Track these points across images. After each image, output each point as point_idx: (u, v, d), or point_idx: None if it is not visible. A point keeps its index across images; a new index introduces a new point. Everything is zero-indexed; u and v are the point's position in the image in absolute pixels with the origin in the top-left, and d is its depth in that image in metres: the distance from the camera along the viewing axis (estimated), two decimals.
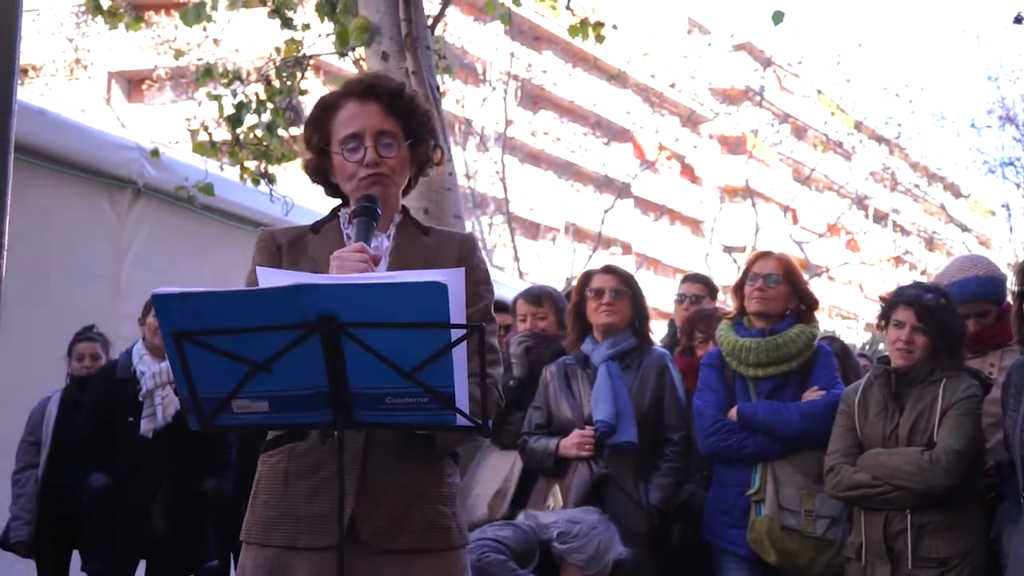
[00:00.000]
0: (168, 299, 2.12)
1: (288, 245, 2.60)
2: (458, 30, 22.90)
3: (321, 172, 2.65)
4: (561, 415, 4.43)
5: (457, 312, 2.13)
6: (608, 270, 4.58)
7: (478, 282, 2.59)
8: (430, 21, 6.20)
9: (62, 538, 5.54)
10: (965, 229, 37.25)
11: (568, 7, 7.75)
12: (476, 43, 26.10)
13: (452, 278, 2.10)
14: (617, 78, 27.34)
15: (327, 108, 2.61)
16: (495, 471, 4.77)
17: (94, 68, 24.87)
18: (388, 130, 2.56)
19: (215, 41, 8.51)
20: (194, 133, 7.27)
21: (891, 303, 4.00)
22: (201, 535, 5.29)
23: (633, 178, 30.26)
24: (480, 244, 2.63)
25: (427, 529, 2.46)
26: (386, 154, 2.55)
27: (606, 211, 27.11)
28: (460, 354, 2.15)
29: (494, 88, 26.07)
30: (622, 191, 29.34)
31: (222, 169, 7.56)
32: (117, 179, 7.00)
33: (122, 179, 7.03)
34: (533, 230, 34.96)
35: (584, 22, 7.45)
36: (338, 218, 2.63)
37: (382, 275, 2.41)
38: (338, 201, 2.68)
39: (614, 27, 7.76)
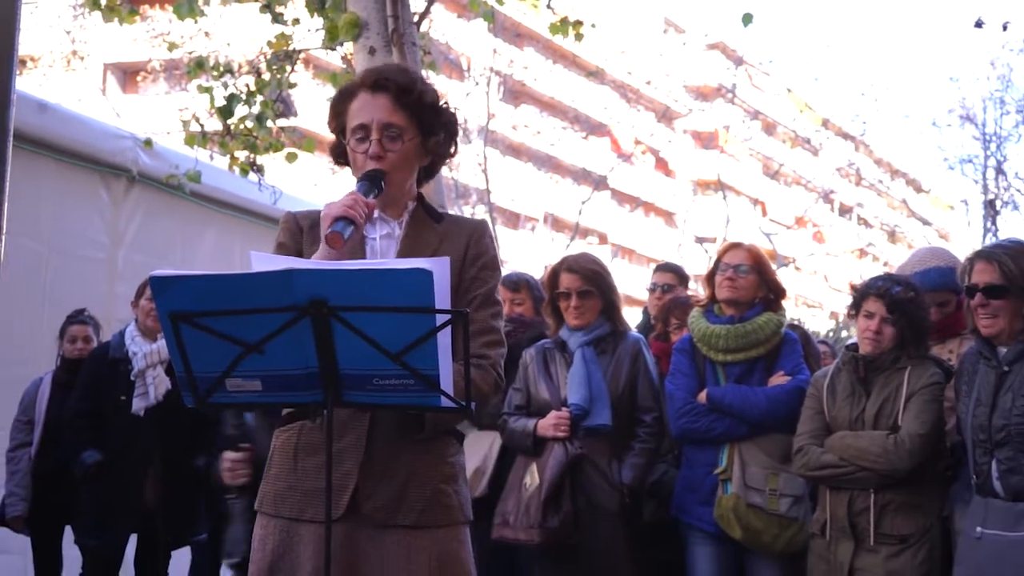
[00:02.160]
0: (165, 281, 2.16)
1: (308, 228, 2.63)
2: (443, 27, 22.92)
3: (343, 155, 2.68)
4: (540, 397, 4.52)
5: (442, 298, 2.17)
6: (571, 268, 4.55)
7: (483, 267, 2.62)
8: (416, 18, 6.23)
9: (56, 514, 5.59)
10: (926, 223, 37.69)
11: (549, 6, 7.79)
12: (460, 40, 26.10)
13: (437, 266, 2.15)
14: (595, 75, 27.55)
15: (344, 97, 2.64)
16: (474, 450, 4.76)
17: (90, 60, 24.72)
18: (395, 123, 2.56)
19: (207, 34, 8.57)
20: (186, 124, 7.30)
21: (862, 294, 4.08)
22: (192, 510, 5.32)
23: (610, 171, 30.34)
24: (491, 232, 2.73)
25: (427, 506, 2.50)
26: (391, 147, 2.56)
27: (583, 202, 27.33)
28: (445, 338, 2.19)
29: (477, 83, 26.11)
30: (599, 183, 29.51)
31: (212, 159, 7.64)
32: (112, 167, 7.04)
33: (117, 167, 7.07)
34: (513, 220, 35.00)
35: (564, 20, 7.52)
36: None
37: (371, 262, 2.49)
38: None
39: (593, 26, 7.81)
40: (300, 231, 2.66)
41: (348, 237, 2.40)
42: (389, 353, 2.18)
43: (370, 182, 2.52)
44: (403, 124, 2.58)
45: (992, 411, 3.53)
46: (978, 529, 3.54)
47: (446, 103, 2.68)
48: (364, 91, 2.60)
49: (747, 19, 6.78)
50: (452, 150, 2.72)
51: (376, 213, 2.60)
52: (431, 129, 2.63)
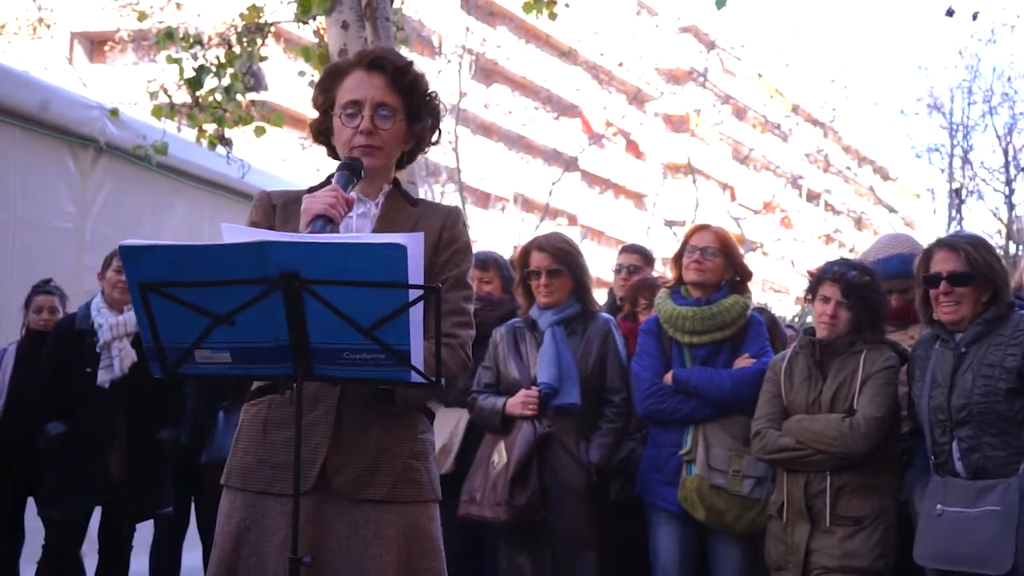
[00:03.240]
0: (135, 251, 2.15)
1: (282, 206, 2.65)
2: (416, 3, 22.80)
3: (324, 133, 2.71)
4: (509, 375, 4.52)
5: (415, 273, 2.16)
6: (541, 247, 4.55)
7: (456, 251, 2.66)
8: None
9: (19, 485, 5.56)
10: (892, 210, 38.07)
11: None
12: (433, 17, 25.98)
13: (411, 241, 2.14)
14: (568, 55, 27.51)
15: (336, 73, 2.67)
16: (440, 427, 4.74)
17: (57, 28, 24.39)
18: (388, 103, 2.60)
19: (178, 5, 8.48)
20: (153, 95, 7.23)
21: (818, 278, 4.11)
22: (157, 483, 5.31)
23: (580, 152, 30.39)
24: (464, 219, 2.80)
25: (397, 482, 2.51)
26: (382, 125, 2.59)
27: (554, 183, 27.36)
28: (416, 313, 2.19)
29: (449, 61, 26.01)
30: (569, 164, 29.54)
31: (179, 130, 7.59)
32: (79, 137, 6.98)
33: (84, 137, 7.00)
34: (483, 199, 34.98)
35: (538, 0, 7.53)
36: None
37: (344, 236, 2.46)
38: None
39: (566, 5, 7.82)
40: (273, 209, 2.67)
41: None
42: (361, 327, 2.17)
43: (350, 171, 2.53)
44: (395, 105, 2.62)
45: (951, 391, 3.59)
46: (938, 507, 3.61)
47: (434, 92, 2.72)
48: (359, 69, 2.63)
49: (720, 3, 6.78)
50: (435, 138, 2.77)
51: (353, 193, 2.61)
52: (419, 115, 2.67)
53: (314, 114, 2.75)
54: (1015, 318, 3.60)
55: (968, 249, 3.64)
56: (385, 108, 2.61)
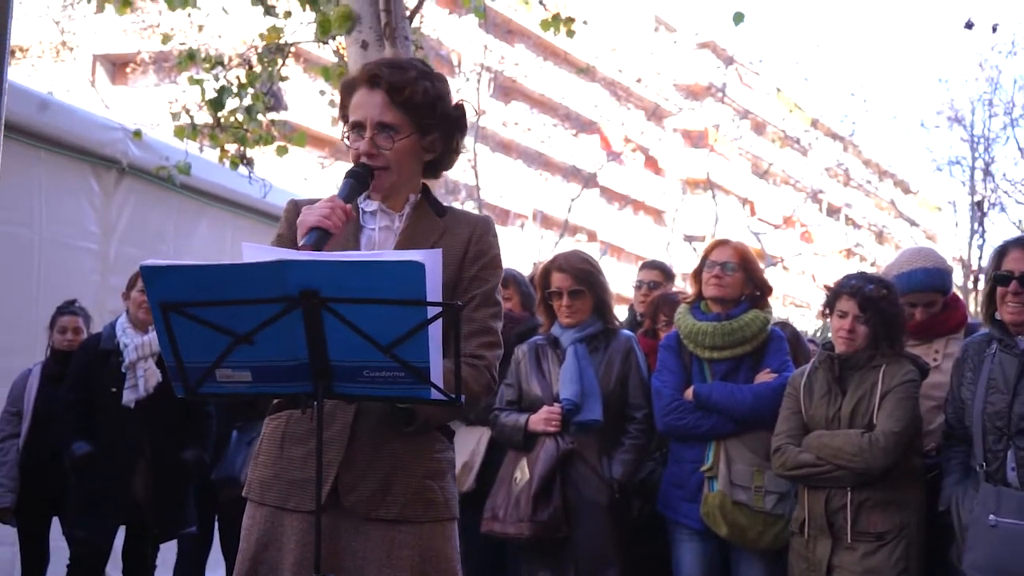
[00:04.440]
0: (156, 271, 2.16)
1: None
2: (434, 22, 22.91)
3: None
4: (531, 392, 4.52)
5: (434, 290, 2.15)
6: (562, 268, 4.55)
7: (484, 266, 2.59)
8: (408, 12, 6.22)
9: (44, 505, 5.58)
10: (913, 224, 37.91)
11: (541, 2, 7.79)
12: (451, 35, 26.11)
13: (430, 258, 2.12)
14: (586, 72, 27.58)
15: (347, 90, 2.62)
16: (462, 445, 4.66)
17: (79, 51, 24.64)
18: (388, 122, 2.54)
19: (199, 27, 8.55)
20: (176, 116, 7.29)
21: (835, 293, 4.09)
22: (181, 502, 5.33)
23: (599, 169, 30.44)
24: (495, 230, 2.70)
25: (410, 501, 2.48)
26: (384, 144, 2.53)
27: (573, 200, 27.41)
28: (436, 330, 2.17)
29: (468, 79, 26.14)
30: (588, 181, 29.61)
31: (201, 151, 7.63)
32: (102, 158, 7.02)
33: (107, 158, 7.05)
34: (503, 216, 35.03)
35: (556, 17, 7.52)
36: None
37: (363, 253, 2.47)
38: None
39: (584, 23, 7.85)
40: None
41: (322, 248, 2.37)
42: (380, 345, 2.17)
43: (356, 180, 2.50)
44: (397, 122, 2.55)
45: (1013, 398, 3.53)
46: (992, 517, 3.55)
47: (445, 98, 2.63)
48: (363, 86, 2.58)
49: (738, 18, 6.81)
50: (454, 144, 2.68)
51: (376, 205, 2.61)
52: (426, 127, 2.59)
53: (334, 131, 2.75)
54: None
55: None
56: (387, 127, 2.54)
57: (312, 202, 2.53)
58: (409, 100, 2.55)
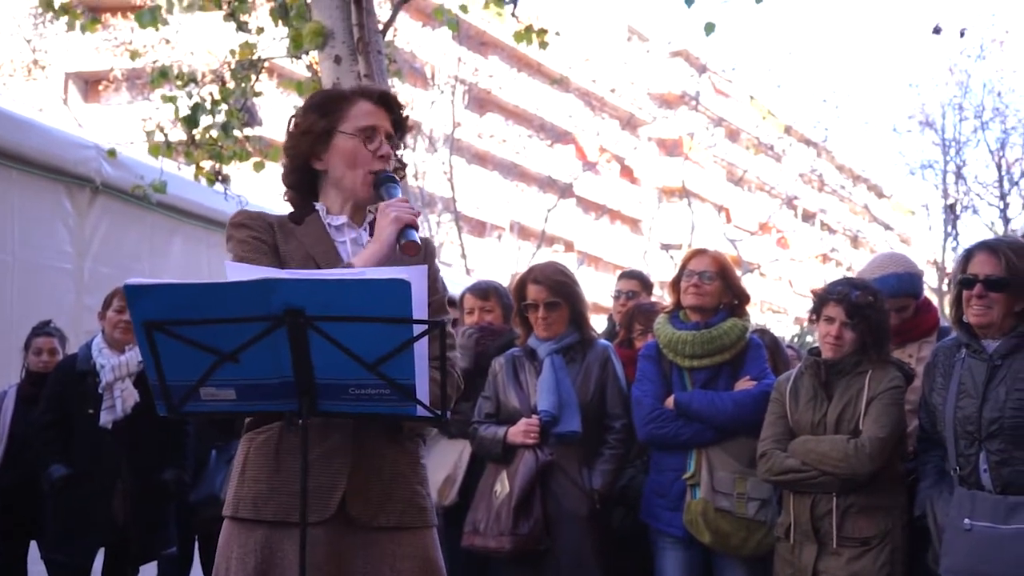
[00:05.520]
0: (139, 289, 2.16)
1: (278, 226, 2.64)
2: (408, 35, 22.94)
3: (304, 155, 2.69)
4: (509, 405, 4.52)
5: (419, 308, 2.18)
6: (537, 280, 4.56)
7: (434, 279, 2.67)
8: (381, 26, 6.25)
9: (21, 528, 5.55)
10: (887, 228, 38.20)
11: (513, 14, 7.77)
12: (425, 48, 26.16)
13: (415, 275, 2.16)
14: (560, 83, 27.70)
15: (338, 99, 2.71)
16: (443, 459, 4.85)
17: (51, 69, 24.54)
18: (392, 136, 2.73)
19: (167, 41, 8.52)
20: (150, 134, 7.20)
21: (822, 299, 4.10)
22: (160, 523, 5.29)
23: (575, 179, 30.58)
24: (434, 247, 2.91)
25: (407, 508, 2.54)
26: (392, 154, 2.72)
27: (549, 210, 27.54)
28: (421, 348, 2.21)
29: (442, 91, 26.23)
30: (564, 191, 29.73)
31: (179, 168, 7.61)
32: (76, 177, 7.00)
33: (81, 177, 7.02)
34: (479, 228, 35.08)
35: (529, 29, 7.54)
36: (316, 212, 2.68)
37: (348, 271, 2.46)
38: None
39: (557, 34, 7.89)
40: (271, 227, 2.65)
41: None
42: (366, 363, 2.19)
43: (394, 183, 2.64)
44: (393, 140, 2.73)
45: (983, 403, 3.55)
46: (967, 521, 3.56)
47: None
48: (366, 100, 2.70)
49: (709, 28, 6.84)
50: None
51: (344, 219, 2.66)
52: (398, 148, 2.78)
53: None
54: None
55: (1009, 255, 3.59)
56: (390, 140, 2.71)
57: (273, 216, 2.66)
58: (402, 123, 2.77)
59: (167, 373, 2.22)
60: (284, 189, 2.77)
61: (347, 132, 2.65)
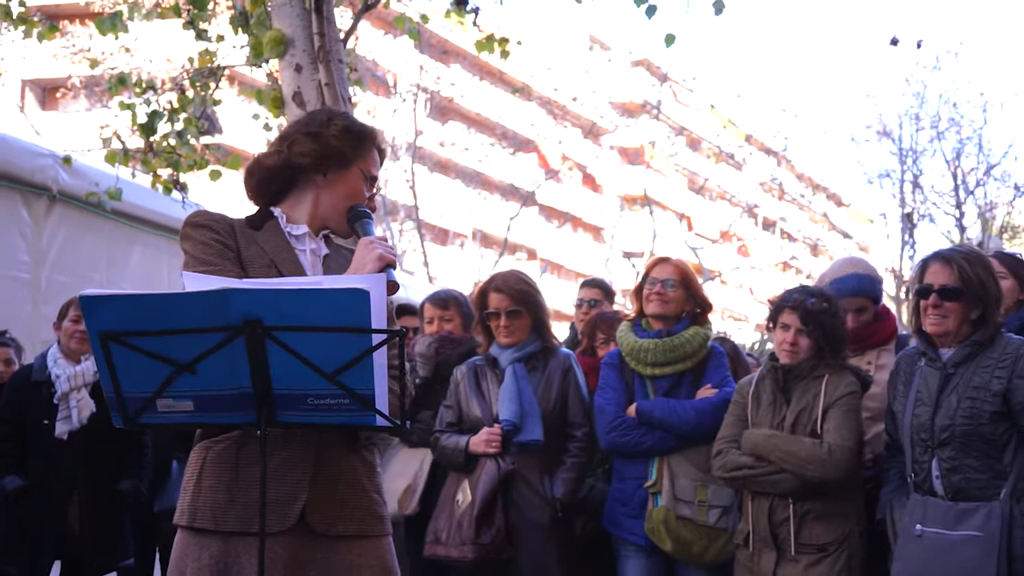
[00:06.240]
0: (95, 300, 2.14)
1: (239, 229, 2.62)
2: (369, 43, 22.88)
3: (308, 157, 2.68)
4: (471, 414, 4.52)
5: (378, 317, 2.17)
6: (499, 288, 4.57)
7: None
8: (342, 35, 6.23)
9: None
10: (846, 236, 38.66)
11: (475, 23, 7.84)
12: (387, 56, 26.12)
13: (374, 284, 2.17)
14: (522, 91, 27.72)
15: (369, 139, 2.77)
16: (404, 467, 4.85)
17: (8, 76, 24.22)
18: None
19: (126, 49, 8.43)
20: (107, 141, 7.17)
21: (778, 306, 4.13)
22: (117, 534, 5.23)
23: (537, 187, 30.58)
24: None
25: (366, 516, 2.53)
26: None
27: (512, 218, 27.55)
28: (380, 357, 2.20)
29: (404, 100, 26.20)
30: (527, 199, 29.73)
31: (134, 176, 7.53)
32: (32, 186, 6.91)
33: (37, 185, 6.94)
34: (442, 236, 35.04)
35: (490, 38, 7.56)
36: (276, 218, 2.67)
37: (307, 280, 2.45)
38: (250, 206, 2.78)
39: (519, 43, 7.90)
40: (232, 229, 2.61)
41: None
42: (325, 373, 2.18)
43: (369, 219, 2.66)
44: None
45: (936, 411, 3.59)
46: (918, 527, 3.59)
47: None
48: (377, 152, 2.78)
49: (669, 40, 6.88)
50: None
51: (304, 230, 2.67)
52: None
53: None
54: (1002, 341, 3.61)
55: (962, 264, 3.63)
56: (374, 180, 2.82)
57: (232, 219, 2.65)
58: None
59: (123, 384, 2.19)
60: (245, 177, 2.75)
61: (364, 172, 2.72)
